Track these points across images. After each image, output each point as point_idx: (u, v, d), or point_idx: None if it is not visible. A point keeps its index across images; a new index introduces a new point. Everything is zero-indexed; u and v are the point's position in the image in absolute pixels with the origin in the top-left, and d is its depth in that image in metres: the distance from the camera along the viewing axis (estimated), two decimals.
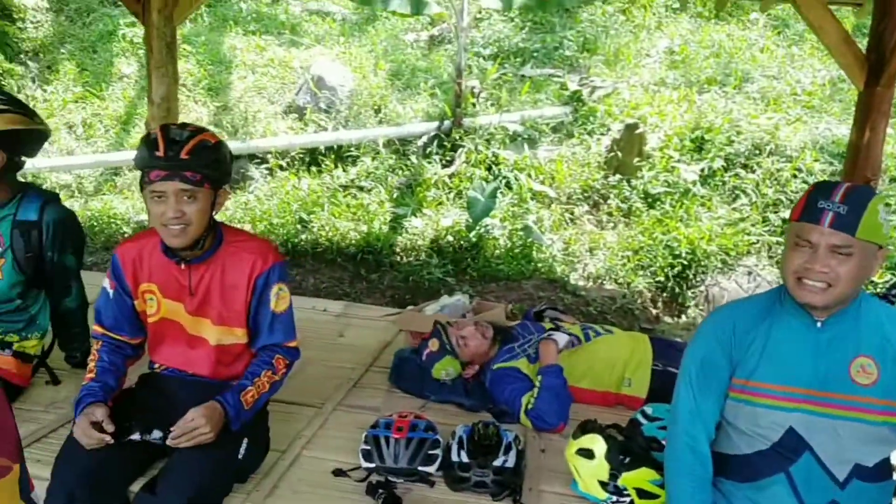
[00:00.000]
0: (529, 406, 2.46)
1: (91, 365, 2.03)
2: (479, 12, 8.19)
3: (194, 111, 6.97)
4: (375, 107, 7.02)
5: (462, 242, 5.46)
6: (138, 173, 1.92)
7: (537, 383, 2.49)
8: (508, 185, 6.03)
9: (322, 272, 5.20)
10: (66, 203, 5.95)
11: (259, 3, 8.86)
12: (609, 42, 7.88)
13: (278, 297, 2.10)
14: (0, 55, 7.19)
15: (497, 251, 5.43)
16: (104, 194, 6.35)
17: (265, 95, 7.27)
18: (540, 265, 5.34)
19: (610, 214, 5.92)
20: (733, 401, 1.68)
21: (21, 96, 7.11)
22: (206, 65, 7.47)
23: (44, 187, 6.21)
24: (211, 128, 6.48)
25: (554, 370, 2.51)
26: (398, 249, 5.43)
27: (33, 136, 2.38)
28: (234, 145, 6.47)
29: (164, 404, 2.07)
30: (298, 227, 5.58)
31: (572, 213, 5.91)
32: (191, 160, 1.83)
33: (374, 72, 7.40)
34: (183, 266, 2.01)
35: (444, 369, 2.75)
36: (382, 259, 5.31)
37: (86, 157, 6.45)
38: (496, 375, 2.65)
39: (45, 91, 7.28)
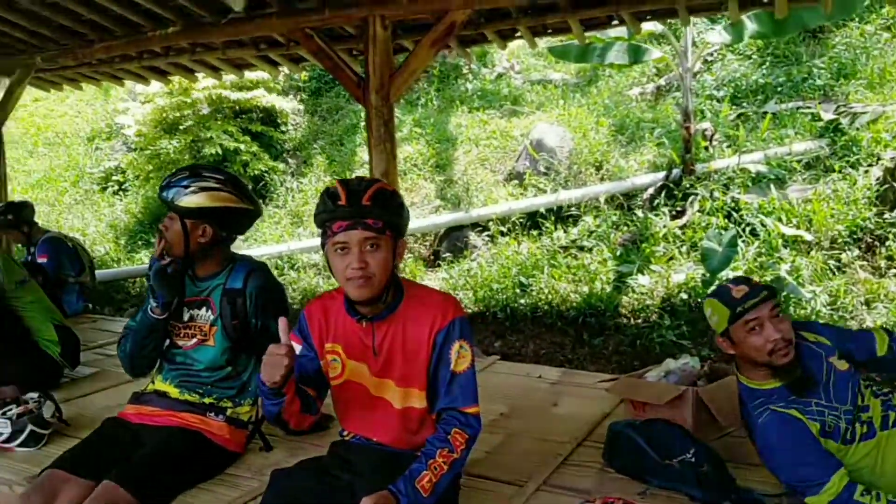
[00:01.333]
0: (861, 498, 1.83)
1: None
2: (710, 54, 7.61)
3: (423, 187, 7.32)
4: (596, 164, 6.75)
5: (699, 300, 4.83)
6: None
7: None
8: (753, 233, 5.28)
9: (542, 337, 4.93)
10: (314, 280, 6.60)
11: (483, 81, 9.23)
12: (871, 64, 6.76)
13: (459, 356, 1.91)
14: (266, 155, 8.30)
15: None
16: None
17: (487, 166, 7.41)
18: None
19: (890, 259, 4.84)
20: None
21: (282, 189, 8.12)
22: (433, 143, 7.87)
23: (296, 267, 6.98)
24: (437, 201, 6.79)
25: None
26: (623, 311, 4.97)
27: (242, 214, 2.49)
28: (457, 216, 6.65)
29: (348, 477, 1.96)
30: (518, 290, 5.41)
31: (838, 260, 4.94)
32: (372, 207, 1.78)
33: (594, 129, 7.17)
34: (365, 324, 1.92)
35: (714, 311, 2.08)
36: (606, 322, 4.88)
37: None
38: (777, 419, 1.97)
39: (300, 182, 8.21)
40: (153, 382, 2.55)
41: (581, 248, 5.81)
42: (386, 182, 1.93)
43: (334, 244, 1.80)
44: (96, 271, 6.14)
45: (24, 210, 5.12)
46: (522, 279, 5.53)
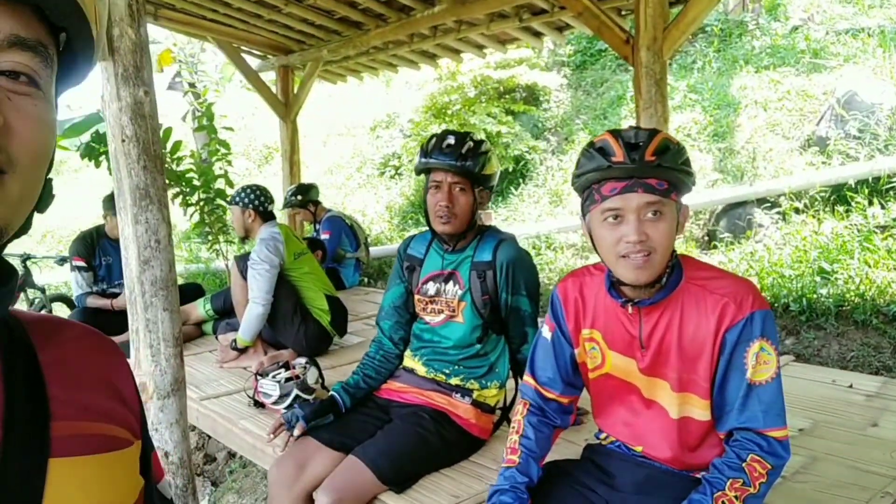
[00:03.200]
0: None
1: (514, 438, 1.71)
2: None
3: (698, 159, 6.56)
4: None
5: None
6: None
7: None
8: None
9: (850, 336, 3.99)
10: (571, 261, 6.30)
11: (774, 37, 8.03)
12: None
13: (758, 361, 1.44)
14: (528, 134, 8.18)
15: None
16: None
17: (778, 132, 6.37)
18: None
19: None
20: None
21: (542, 168, 7.94)
22: (711, 110, 7.03)
23: (553, 247, 6.74)
24: (714, 174, 6.03)
25: None
26: None
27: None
28: (740, 190, 5.82)
29: (605, 491, 1.65)
30: (817, 279, 4.48)
31: None
32: (657, 163, 1.40)
33: None
34: (631, 310, 1.56)
35: None
36: None
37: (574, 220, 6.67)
38: None
39: (560, 160, 7.94)
40: (403, 358, 2.49)
41: None
42: (666, 132, 1.52)
43: (605, 211, 1.44)
44: (372, 248, 6.59)
45: (310, 191, 5.63)
46: (824, 265, 4.56)
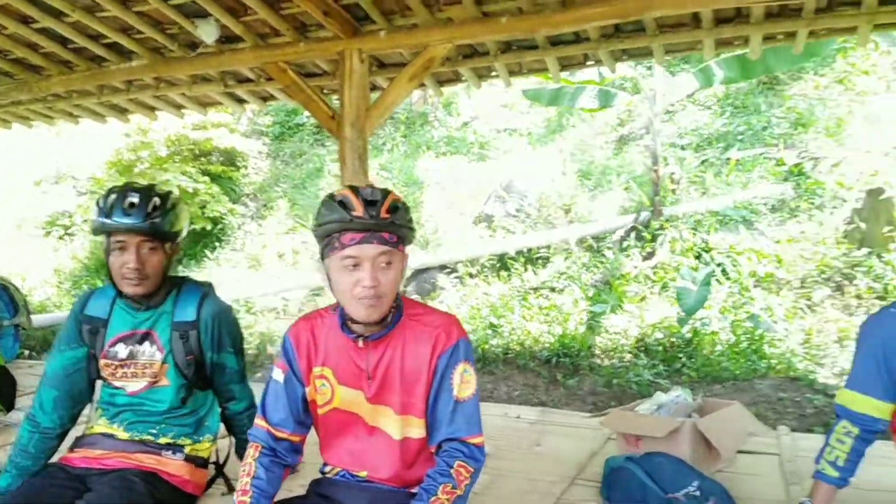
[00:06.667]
0: None
1: (246, 480, 1.70)
2: (671, 105, 7.81)
3: None
4: (565, 208, 6.75)
5: (673, 339, 4.75)
6: None
7: None
8: (724, 273, 5.28)
9: (514, 379, 4.75)
10: (273, 325, 6.31)
11: (450, 129, 9.27)
12: (828, 112, 7.00)
13: (462, 381, 1.69)
14: (226, 197, 8.07)
15: (718, 347, 4.62)
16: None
17: (455, 209, 7.34)
18: (774, 362, 4.43)
19: (859, 297, 4.88)
20: None
21: (240, 232, 7.87)
22: (399, 187, 7.79)
23: (252, 311, 6.67)
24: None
25: None
26: (598, 351, 4.85)
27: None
28: (425, 258, 6.51)
29: None
30: (489, 332, 5.26)
31: (809, 299, 4.96)
32: (390, 220, 1.59)
33: (562, 173, 7.21)
34: (362, 344, 1.71)
35: None
36: (580, 362, 4.75)
37: (291, 282, 6.80)
38: None
39: (260, 226, 7.99)
40: (95, 424, 2.17)
41: (552, 290, 5.72)
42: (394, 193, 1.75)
43: (344, 258, 1.60)
44: (36, 316, 5.76)
45: None
46: (493, 320, 5.38)
